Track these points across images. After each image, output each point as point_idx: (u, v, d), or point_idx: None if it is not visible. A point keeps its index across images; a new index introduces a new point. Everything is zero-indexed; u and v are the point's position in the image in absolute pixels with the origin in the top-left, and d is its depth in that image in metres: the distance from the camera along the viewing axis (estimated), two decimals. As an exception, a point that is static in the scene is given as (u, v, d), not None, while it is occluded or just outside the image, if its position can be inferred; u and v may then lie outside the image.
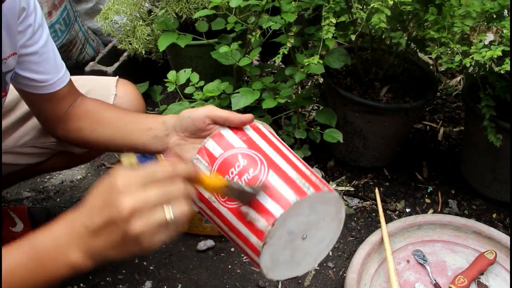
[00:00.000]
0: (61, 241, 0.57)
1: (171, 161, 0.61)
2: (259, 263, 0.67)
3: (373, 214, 1.45)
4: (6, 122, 1.07)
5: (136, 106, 1.17)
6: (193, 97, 1.38)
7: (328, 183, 1.55)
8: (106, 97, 1.13)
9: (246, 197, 0.65)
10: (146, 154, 0.65)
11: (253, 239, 0.66)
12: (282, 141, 0.78)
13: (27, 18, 0.86)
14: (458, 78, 2.02)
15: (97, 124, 0.95)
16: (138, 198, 0.54)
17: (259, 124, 0.79)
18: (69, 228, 0.58)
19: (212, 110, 0.78)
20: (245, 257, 1.32)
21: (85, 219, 0.57)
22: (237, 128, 0.76)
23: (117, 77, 1.19)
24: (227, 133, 0.75)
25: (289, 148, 0.77)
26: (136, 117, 0.94)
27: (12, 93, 1.03)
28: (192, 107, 1.32)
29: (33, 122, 1.10)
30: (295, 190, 0.66)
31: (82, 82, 1.13)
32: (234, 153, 0.71)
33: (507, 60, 1.05)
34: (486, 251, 1.25)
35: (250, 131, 0.76)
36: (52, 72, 0.93)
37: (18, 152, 1.10)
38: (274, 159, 0.70)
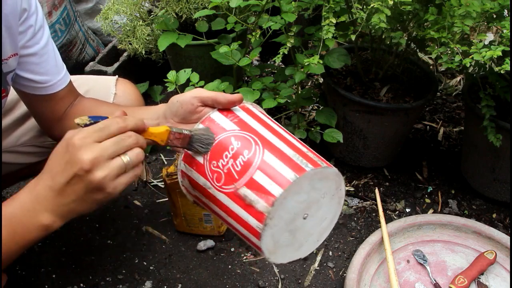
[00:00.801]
0: (28, 206, 0.61)
1: (120, 116, 0.64)
2: (261, 246, 0.65)
3: (373, 214, 1.45)
4: (5, 121, 1.08)
5: (136, 105, 1.18)
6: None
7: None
8: (105, 96, 1.13)
9: (187, 141, 0.68)
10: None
11: (253, 221, 0.64)
12: (275, 121, 0.76)
13: (28, 19, 0.86)
14: (458, 78, 2.02)
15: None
16: (96, 150, 0.58)
17: (249, 105, 0.77)
18: (33, 193, 0.61)
19: (199, 92, 0.78)
20: (245, 257, 1.32)
21: (48, 181, 0.60)
22: (227, 110, 0.75)
23: (116, 76, 1.20)
24: (218, 116, 0.73)
25: (283, 127, 0.75)
26: (131, 111, 0.94)
27: (12, 93, 1.03)
28: None
29: (33, 121, 1.10)
30: (293, 168, 0.64)
31: (81, 82, 1.14)
32: (227, 135, 0.70)
33: (507, 60, 1.05)
34: (486, 251, 1.25)
35: (240, 113, 0.74)
36: (52, 73, 0.93)
37: (18, 151, 1.10)
38: (269, 138, 0.69)
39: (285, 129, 0.75)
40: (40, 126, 1.06)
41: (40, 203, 0.61)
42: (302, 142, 0.73)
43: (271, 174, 0.64)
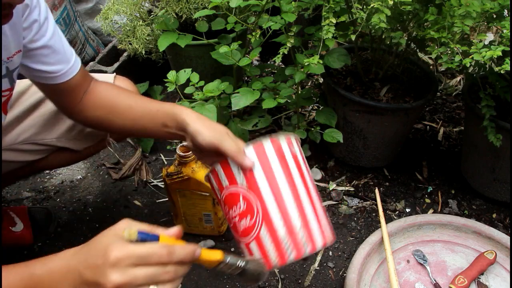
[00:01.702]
0: (56, 277, 0.63)
1: (170, 241, 0.63)
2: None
3: (373, 214, 1.45)
4: (5, 119, 1.07)
5: None
6: (193, 97, 1.38)
7: (328, 183, 1.55)
8: None
9: (238, 271, 0.70)
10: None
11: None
12: (300, 161, 0.81)
13: (31, 13, 0.86)
14: (458, 78, 2.02)
15: (112, 114, 1.00)
16: (126, 277, 0.58)
17: (281, 139, 0.80)
18: (65, 269, 0.63)
19: (221, 143, 0.81)
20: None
21: (79, 267, 0.61)
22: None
23: (114, 73, 1.21)
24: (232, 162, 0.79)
25: (304, 171, 0.80)
26: (149, 108, 0.97)
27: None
28: (192, 107, 1.33)
29: (32, 119, 1.11)
30: (277, 255, 0.75)
31: None
32: (236, 191, 0.77)
33: (507, 60, 1.05)
34: (486, 251, 1.25)
35: (258, 159, 0.78)
36: (62, 62, 0.95)
37: (18, 149, 1.11)
38: (270, 209, 0.75)
39: (305, 175, 0.81)
40: (61, 113, 1.07)
41: (67, 280, 0.63)
42: (312, 200, 0.80)
43: (262, 251, 0.76)
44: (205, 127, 0.85)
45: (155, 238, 0.62)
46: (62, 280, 0.63)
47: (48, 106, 1.12)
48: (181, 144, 1.17)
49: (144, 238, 0.61)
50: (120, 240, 0.60)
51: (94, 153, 1.28)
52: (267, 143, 0.78)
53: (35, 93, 1.11)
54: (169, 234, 0.65)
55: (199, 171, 1.17)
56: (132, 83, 1.22)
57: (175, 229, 0.66)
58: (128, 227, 0.62)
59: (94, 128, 1.09)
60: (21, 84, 1.11)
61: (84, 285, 0.61)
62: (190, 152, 1.13)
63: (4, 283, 0.63)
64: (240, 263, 0.68)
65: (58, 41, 0.94)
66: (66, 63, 0.95)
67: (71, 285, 0.62)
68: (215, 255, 0.67)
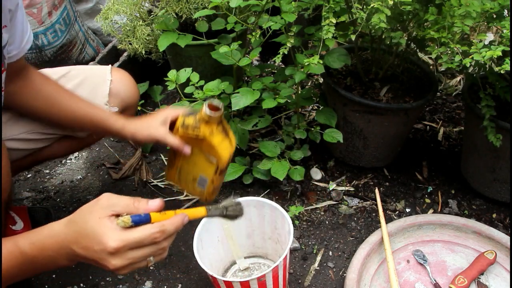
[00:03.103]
0: (49, 254, 0.69)
1: (161, 217, 0.70)
2: None
3: (373, 214, 1.45)
4: (11, 110, 1.09)
5: (131, 89, 1.25)
6: (193, 96, 1.39)
7: (328, 183, 1.55)
8: (102, 83, 1.19)
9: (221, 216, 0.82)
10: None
11: None
12: None
13: None
14: (458, 78, 2.02)
15: (50, 110, 1.07)
16: (125, 260, 0.66)
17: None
18: (56, 245, 0.68)
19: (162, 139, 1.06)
20: (245, 257, 1.32)
21: (73, 245, 0.67)
22: None
23: (110, 65, 1.23)
24: None
25: None
26: (87, 117, 1.10)
27: None
28: (192, 106, 1.33)
29: None
30: None
31: (76, 72, 1.18)
32: None
33: (507, 60, 1.06)
34: (486, 251, 1.25)
35: None
36: (20, 41, 0.96)
37: (23, 138, 1.13)
38: None
39: None
40: None
41: (62, 256, 0.69)
42: None
43: None
44: (139, 127, 1.06)
45: (147, 218, 0.68)
46: (56, 255, 0.69)
47: None
48: (211, 100, 1.00)
49: (137, 221, 0.66)
50: (114, 229, 0.65)
51: (97, 140, 1.31)
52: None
53: None
54: (156, 210, 0.70)
55: (217, 136, 1.05)
56: (128, 74, 1.25)
57: (158, 203, 0.71)
58: (109, 203, 0.67)
59: (29, 116, 1.12)
60: None
61: (80, 259, 0.68)
62: (218, 111, 1.00)
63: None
64: (221, 212, 0.81)
65: (19, 22, 0.94)
66: (20, 43, 0.97)
67: (65, 258, 0.69)
68: (200, 213, 0.78)
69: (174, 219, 0.71)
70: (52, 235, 0.69)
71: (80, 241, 0.67)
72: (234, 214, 0.83)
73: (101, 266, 0.67)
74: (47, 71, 1.17)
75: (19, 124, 1.11)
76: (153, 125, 1.06)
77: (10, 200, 0.94)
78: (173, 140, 1.04)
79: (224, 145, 1.05)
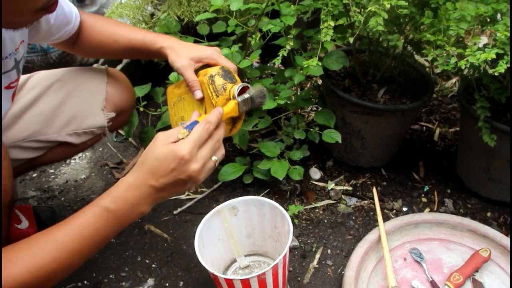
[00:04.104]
0: (133, 201, 0.75)
1: (202, 117, 0.83)
2: None
3: (371, 213, 1.47)
4: (5, 117, 1.10)
5: (127, 92, 1.29)
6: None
7: (327, 182, 1.57)
8: (99, 86, 1.21)
9: (250, 103, 0.91)
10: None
11: None
12: None
13: None
14: (454, 80, 2.04)
15: (103, 49, 1.17)
16: (200, 160, 0.76)
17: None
18: (138, 191, 0.75)
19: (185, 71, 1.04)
20: (245, 255, 1.34)
21: (152, 181, 0.74)
22: None
23: (106, 66, 1.27)
24: None
25: None
26: (133, 43, 1.15)
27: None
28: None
29: (31, 116, 1.13)
30: None
31: (71, 75, 1.20)
32: None
33: (501, 63, 1.07)
34: (481, 249, 1.27)
35: None
36: (64, 27, 1.09)
37: (21, 146, 1.13)
38: None
39: None
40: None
41: (144, 199, 0.76)
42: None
43: None
44: (178, 56, 1.07)
45: (195, 122, 0.80)
46: (139, 201, 0.75)
47: (45, 102, 1.15)
48: (242, 85, 0.94)
49: (190, 126, 0.79)
50: (179, 143, 0.75)
51: (90, 146, 1.31)
52: None
53: (31, 90, 1.14)
54: (197, 116, 0.84)
55: (228, 107, 0.91)
56: (123, 75, 1.30)
57: (197, 113, 0.86)
58: (164, 135, 0.76)
59: (92, 57, 1.25)
60: None
61: (162, 194, 0.75)
62: (243, 107, 0.93)
63: (78, 224, 0.74)
64: (248, 105, 0.91)
65: (60, 8, 1.04)
66: (67, 25, 1.08)
67: (146, 203, 0.76)
68: (232, 104, 0.89)
69: (212, 112, 0.81)
70: (129, 184, 0.75)
71: (157, 172, 0.74)
72: (260, 102, 0.91)
73: (183, 184, 0.75)
74: (43, 73, 1.19)
75: (14, 131, 1.12)
76: (188, 56, 1.08)
77: (12, 201, 0.95)
78: (192, 76, 1.01)
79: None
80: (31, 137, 1.14)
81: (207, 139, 0.78)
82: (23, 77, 1.15)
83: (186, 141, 0.75)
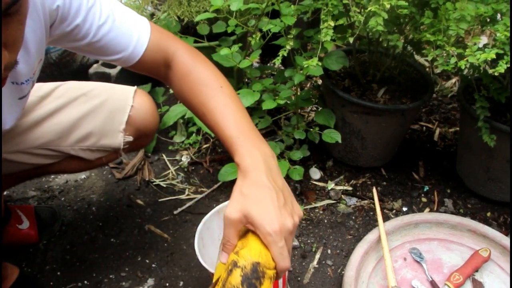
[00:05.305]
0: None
1: None
2: None
3: (371, 213, 1.47)
4: (24, 121, 1.09)
5: (150, 119, 1.19)
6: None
7: (327, 182, 1.57)
8: (122, 108, 1.14)
9: None
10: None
11: None
12: None
13: (67, 18, 0.85)
14: (453, 80, 2.04)
15: (194, 100, 0.94)
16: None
17: None
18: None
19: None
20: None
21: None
22: None
23: (135, 87, 1.19)
24: None
25: None
26: (215, 129, 0.90)
27: (33, 94, 1.05)
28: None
29: (50, 125, 1.10)
30: None
31: (98, 92, 1.15)
32: None
33: (501, 63, 1.07)
34: (480, 249, 1.27)
35: None
36: (118, 52, 0.92)
37: (33, 152, 1.11)
38: None
39: None
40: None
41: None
42: None
43: None
44: (239, 195, 0.79)
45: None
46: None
47: (66, 114, 1.11)
48: None
49: None
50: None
51: (105, 164, 1.26)
52: None
53: (57, 99, 1.11)
54: None
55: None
56: (151, 99, 1.20)
57: None
58: None
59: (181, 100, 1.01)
60: (44, 87, 1.11)
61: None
62: None
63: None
64: None
65: (110, 33, 0.90)
66: (126, 48, 0.92)
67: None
68: None
69: None
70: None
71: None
72: None
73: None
74: (73, 84, 1.15)
75: (30, 137, 1.10)
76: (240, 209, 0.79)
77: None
78: (230, 237, 0.79)
79: None
80: (44, 145, 1.12)
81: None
82: (53, 84, 1.12)
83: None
